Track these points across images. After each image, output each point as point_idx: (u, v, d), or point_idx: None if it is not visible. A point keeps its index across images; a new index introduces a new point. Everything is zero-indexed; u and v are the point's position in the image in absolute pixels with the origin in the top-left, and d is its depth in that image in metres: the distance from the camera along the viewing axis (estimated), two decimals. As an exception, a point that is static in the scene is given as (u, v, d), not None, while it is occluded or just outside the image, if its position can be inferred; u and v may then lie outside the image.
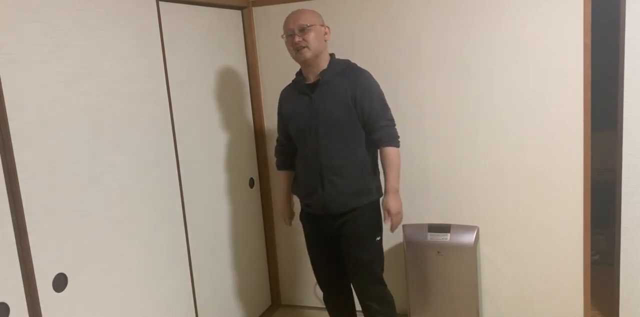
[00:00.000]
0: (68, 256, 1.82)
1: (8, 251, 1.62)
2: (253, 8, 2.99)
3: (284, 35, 2.28)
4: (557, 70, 2.55)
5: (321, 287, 2.58)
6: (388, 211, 2.30)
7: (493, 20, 2.60)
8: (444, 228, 2.74)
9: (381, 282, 2.42)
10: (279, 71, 3.01)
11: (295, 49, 2.23)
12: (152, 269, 2.24)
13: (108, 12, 2.00)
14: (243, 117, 2.99)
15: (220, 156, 2.78)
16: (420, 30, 2.72)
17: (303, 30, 2.21)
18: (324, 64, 2.29)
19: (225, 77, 2.82)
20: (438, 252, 2.71)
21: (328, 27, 2.31)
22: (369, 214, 2.35)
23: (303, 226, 2.52)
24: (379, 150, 2.34)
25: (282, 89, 2.49)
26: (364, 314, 2.48)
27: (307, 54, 2.22)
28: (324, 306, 2.66)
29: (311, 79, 2.31)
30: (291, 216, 2.66)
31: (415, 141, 2.83)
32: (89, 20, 1.91)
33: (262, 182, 3.16)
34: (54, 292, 1.76)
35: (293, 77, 2.39)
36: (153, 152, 2.25)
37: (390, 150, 2.29)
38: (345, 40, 2.84)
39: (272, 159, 3.15)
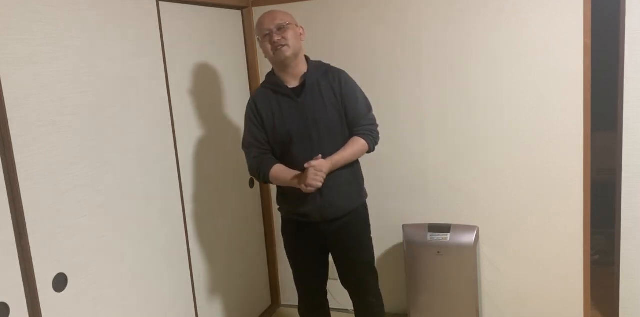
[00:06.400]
0: (68, 256, 1.82)
1: (8, 251, 1.62)
2: (253, 8, 2.99)
3: (259, 37, 2.19)
4: (557, 71, 2.55)
5: (304, 301, 2.47)
6: (310, 165, 2.07)
7: (493, 20, 2.60)
8: (444, 228, 2.74)
9: (377, 277, 2.43)
10: (279, 71, 3.02)
11: (274, 48, 2.14)
12: (152, 269, 2.24)
13: (108, 12, 2.00)
14: (243, 117, 2.98)
15: (221, 156, 2.78)
16: (421, 30, 2.72)
17: (281, 28, 2.13)
18: (302, 66, 2.22)
19: (225, 77, 2.82)
20: (438, 252, 2.71)
21: (302, 28, 2.24)
22: (362, 215, 2.36)
23: (288, 238, 2.41)
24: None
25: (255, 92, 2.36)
26: (360, 311, 2.44)
27: (288, 52, 2.13)
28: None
29: (292, 82, 2.22)
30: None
31: (415, 141, 2.83)
32: (89, 20, 1.91)
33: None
34: (54, 292, 1.76)
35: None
36: (153, 152, 2.25)
37: (359, 140, 2.22)
38: (346, 40, 2.84)
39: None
